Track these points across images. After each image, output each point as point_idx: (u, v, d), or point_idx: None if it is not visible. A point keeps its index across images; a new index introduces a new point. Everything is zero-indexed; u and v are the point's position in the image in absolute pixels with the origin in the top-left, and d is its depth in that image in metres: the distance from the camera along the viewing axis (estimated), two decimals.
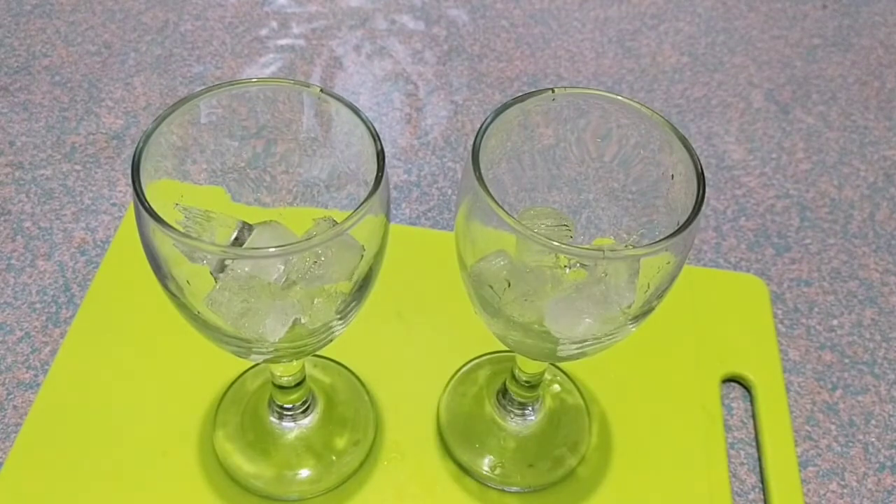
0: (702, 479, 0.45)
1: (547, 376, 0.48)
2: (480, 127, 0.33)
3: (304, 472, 0.44)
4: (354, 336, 0.41)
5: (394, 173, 0.61)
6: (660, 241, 0.30)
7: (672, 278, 0.33)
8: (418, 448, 0.45)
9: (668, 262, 0.33)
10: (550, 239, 0.30)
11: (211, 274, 0.33)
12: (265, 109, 0.36)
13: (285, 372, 0.42)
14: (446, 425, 0.46)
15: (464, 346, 0.50)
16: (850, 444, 0.48)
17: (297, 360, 0.40)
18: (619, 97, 0.35)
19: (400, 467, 0.44)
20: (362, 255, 0.33)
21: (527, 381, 0.44)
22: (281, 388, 0.43)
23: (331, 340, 0.36)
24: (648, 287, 0.33)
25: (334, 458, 0.44)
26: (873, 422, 0.49)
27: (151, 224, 0.29)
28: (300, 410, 0.45)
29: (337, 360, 0.49)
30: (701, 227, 0.59)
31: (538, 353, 0.37)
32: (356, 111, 0.33)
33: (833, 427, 0.49)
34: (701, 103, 0.69)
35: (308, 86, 0.35)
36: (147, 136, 0.31)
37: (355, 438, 0.45)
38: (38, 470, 0.43)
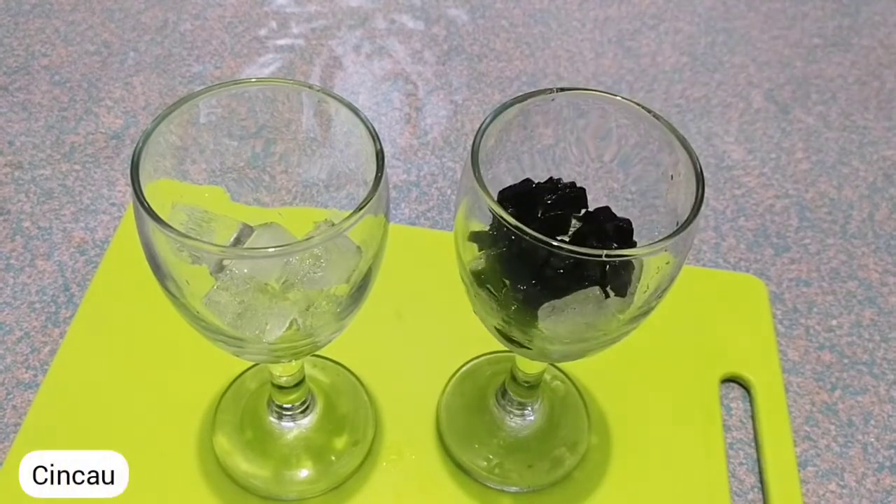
0: (701, 479, 0.45)
1: (546, 376, 0.48)
2: (480, 127, 0.33)
3: (303, 472, 0.44)
4: (354, 336, 0.41)
5: (393, 173, 0.61)
6: (659, 241, 0.30)
7: (671, 278, 0.33)
8: (417, 448, 0.45)
9: (668, 263, 0.32)
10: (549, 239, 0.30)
11: (210, 274, 0.33)
12: (264, 109, 0.36)
13: (284, 372, 0.42)
14: (445, 425, 0.46)
15: (463, 346, 0.50)
16: (850, 445, 0.48)
17: (295, 360, 0.40)
18: (619, 97, 0.35)
19: (399, 467, 0.44)
20: (361, 256, 0.33)
21: (526, 382, 0.44)
22: (280, 387, 0.43)
23: (329, 341, 0.36)
24: (648, 287, 0.33)
25: (333, 458, 0.44)
26: (872, 422, 0.49)
27: (151, 224, 0.29)
28: (299, 410, 0.45)
29: (336, 360, 0.49)
30: (700, 228, 0.59)
31: (537, 354, 0.37)
32: (355, 111, 0.33)
33: (832, 427, 0.49)
34: (700, 103, 0.69)
35: (307, 86, 0.35)
36: (146, 136, 0.31)
37: (354, 438, 0.45)
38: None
